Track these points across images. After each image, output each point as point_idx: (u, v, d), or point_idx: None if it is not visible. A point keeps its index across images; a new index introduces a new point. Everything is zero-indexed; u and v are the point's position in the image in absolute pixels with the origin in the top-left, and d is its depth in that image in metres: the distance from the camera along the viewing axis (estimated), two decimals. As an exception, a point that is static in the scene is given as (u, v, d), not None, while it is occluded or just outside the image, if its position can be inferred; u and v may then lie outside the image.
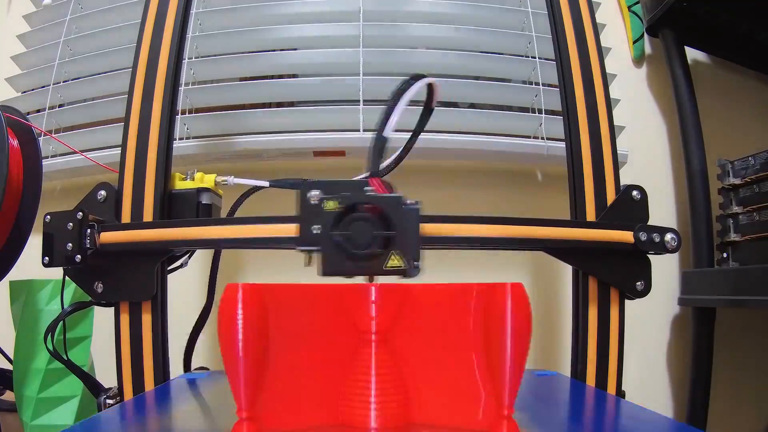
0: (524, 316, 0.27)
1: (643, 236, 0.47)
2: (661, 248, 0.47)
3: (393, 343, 0.32)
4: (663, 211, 0.86)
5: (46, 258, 0.45)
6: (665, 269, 0.85)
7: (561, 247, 0.46)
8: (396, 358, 0.32)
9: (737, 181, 0.74)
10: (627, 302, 0.49)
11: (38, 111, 0.88)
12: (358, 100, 0.79)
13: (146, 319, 0.46)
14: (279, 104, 0.88)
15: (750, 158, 0.73)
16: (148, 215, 0.47)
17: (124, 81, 0.52)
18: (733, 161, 0.75)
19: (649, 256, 0.49)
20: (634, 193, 0.50)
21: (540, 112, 0.81)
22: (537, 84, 0.83)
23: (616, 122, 0.52)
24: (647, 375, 0.82)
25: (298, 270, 0.36)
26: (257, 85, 0.84)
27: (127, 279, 0.45)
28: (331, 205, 0.34)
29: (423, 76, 0.38)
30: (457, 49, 0.84)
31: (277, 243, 0.41)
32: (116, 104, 0.84)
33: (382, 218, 0.34)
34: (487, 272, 0.81)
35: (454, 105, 0.88)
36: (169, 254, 0.47)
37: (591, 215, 0.49)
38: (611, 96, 0.53)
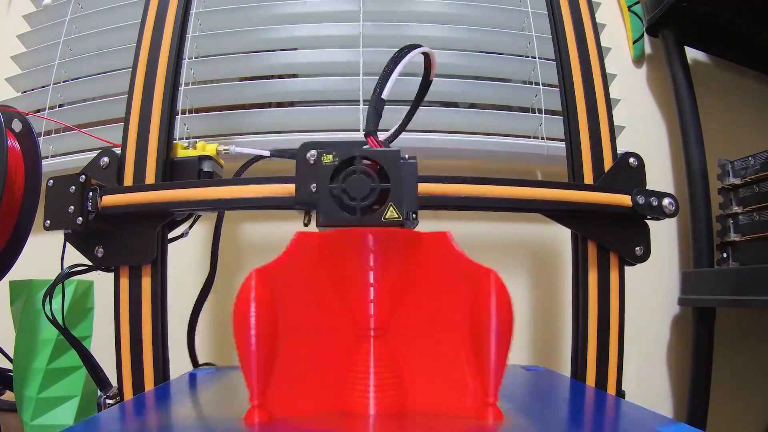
0: (506, 309, 0.31)
1: (640, 199, 0.47)
2: (659, 212, 0.48)
3: (389, 338, 0.35)
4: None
5: (48, 221, 0.45)
6: (665, 269, 0.85)
7: (558, 210, 0.46)
8: (392, 351, 0.35)
9: (737, 181, 0.74)
10: (627, 303, 0.49)
11: (38, 111, 0.88)
12: (358, 100, 0.80)
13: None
14: (279, 104, 0.89)
15: (750, 158, 0.73)
16: (150, 181, 0.48)
17: (124, 81, 0.52)
18: (733, 161, 0.75)
19: (648, 222, 0.49)
20: (631, 160, 0.50)
21: (540, 112, 0.81)
22: (537, 84, 0.83)
23: (616, 122, 0.52)
24: (647, 375, 0.82)
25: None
26: (257, 85, 0.84)
27: (128, 243, 0.46)
28: (328, 158, 0.35)
29: (419, 46, 0.39)
30: (457, 49, 0.84)
31: (276, 203, 0.42)
32: (116, 104, 0.84)
33: (380, 172, 0.34)
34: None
35: (454, 105, 0.88)
36: (169, 218, 0.47)
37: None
38: (611, 96, 0.53)
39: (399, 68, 0.38)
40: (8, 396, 0.64)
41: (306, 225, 0.38)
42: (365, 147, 0.35)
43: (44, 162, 0.59)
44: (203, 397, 0.43)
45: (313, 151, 0.36)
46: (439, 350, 0.34)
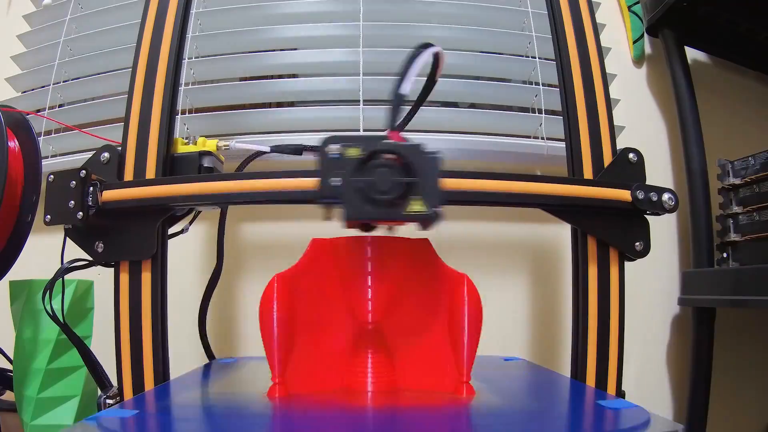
0: (476, 306, 0.38)
1: (640, 194, 0.47)
2: (659, 207, 0.48)
3: (384, 330, 0.41)
4: (663, 211, 0.86)
5: (48, 216, 0.45)
6: (665, 269, 0.85)
7: (558, 204, 0.46)
8: (386, 341, 0.41)
9: (737, 181, 0.74)
10: (627, 304, 0.49)
11: (38, 111, 0.88)
12: (358, 100, 0.80)
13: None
14: (279, 104, 0.89)
15: (750, 158, 0.73)
16: (150, 176, 0.48)
17: (124, 81, 0.52)
18: (733, 161, 0.75)
19: (647, 217, 0.49)
20: (631, 155, 0.50)
21: (540, 112, 0.81)
22: (537, 84, 0.83)
23: (616, 122, 0.52)
24: (647, 375, 0.82)
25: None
26: (257, 85, 0.84)
27: (128, 238, 0.46)
28: (352, 152, 0.35)
29: (432, 45, 0.40)
30: (457, 49, 0.84)
31: (297, 197, 0.41)
32: (116, 104, 0.84)
33: (403, 165, 0.35)
34: (486, 272, 0.81)
35: (454, 105, 0.88)
36: (170, 212, 0.47)
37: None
38: (611, 96, 0.53)
39: (417, 65, 0.39)
40: (8, 396, 0.64)
41: (327, 220, 0.38)
42: (388, 141, 0.36)
43: (44, 162, 0.59)
44: (228, 381, 0.48)
45: (336, 145, 0.36)
46: (423, 340, 0.41)
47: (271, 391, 0.38)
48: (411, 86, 0.39)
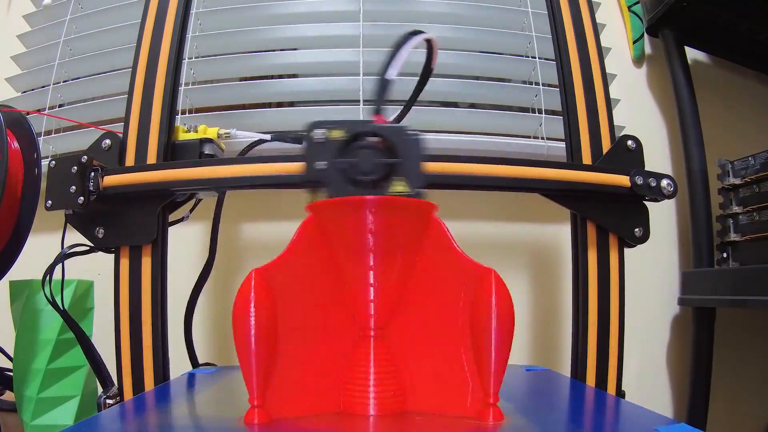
0: (507, 310, 0.31)
1: (639, 180, 0.47)
2: (658, 193, 0.48)
3: (389, 338, 0.34)
4: (663, 210, 0.86)
5: (49, 201, 0.45)
6: (665, 269, 0.85)
7: (557, 189, 0.46)
8: (392, 351, 0.34)
9: (737, 181, 0.74)
10: (627, 304, 0.49)
11: (38, 110, 0.87)
12: (358, 100, 0.80)
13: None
14: (279, 104, 0.89)
15: (750, 158, 0.73)
16: (151, 162, 0.48)
17: (124, 81, 0.52)
18: (733, 161, 0.75)
19: (646, 203, 0.49)
20: (629, 142, 0.50)
21: (540, 112, 0.81)
22: (537, 84, 0.83)
23: (616, 122, 0.52)
24: (647, 375, 0.82)
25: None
26: (257, 85, 0.84)
27: (129, 224, 0.46)
28: (336, 134, 0.35)
29: (423, 32, 0.40)
30: (457, 49, 0.84)
31: (284, 181, 0.42)
32: (116, 104, 0.84)
33: (386, 147, 0.35)
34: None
35: (454, 105, 0.88)
36: (170, 198, 0.47)
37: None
38: (611, 96, 0.53)
39: (405, 51, 0.38)
40: (8, 396, 0.64)
41: None
42: (371, 123, 0.36)
43: (44, 162, 0.59)
44: (203, 398, 0.42)
45: (321, 130, 0.36)
46: (439, 349, 0.33)
47: (248, 416, 0.30)
48: (397, 72, 0.38)
